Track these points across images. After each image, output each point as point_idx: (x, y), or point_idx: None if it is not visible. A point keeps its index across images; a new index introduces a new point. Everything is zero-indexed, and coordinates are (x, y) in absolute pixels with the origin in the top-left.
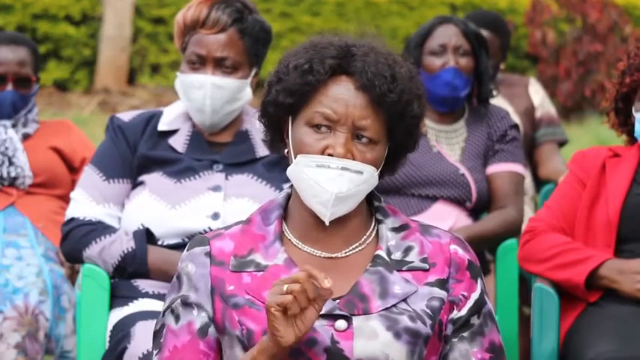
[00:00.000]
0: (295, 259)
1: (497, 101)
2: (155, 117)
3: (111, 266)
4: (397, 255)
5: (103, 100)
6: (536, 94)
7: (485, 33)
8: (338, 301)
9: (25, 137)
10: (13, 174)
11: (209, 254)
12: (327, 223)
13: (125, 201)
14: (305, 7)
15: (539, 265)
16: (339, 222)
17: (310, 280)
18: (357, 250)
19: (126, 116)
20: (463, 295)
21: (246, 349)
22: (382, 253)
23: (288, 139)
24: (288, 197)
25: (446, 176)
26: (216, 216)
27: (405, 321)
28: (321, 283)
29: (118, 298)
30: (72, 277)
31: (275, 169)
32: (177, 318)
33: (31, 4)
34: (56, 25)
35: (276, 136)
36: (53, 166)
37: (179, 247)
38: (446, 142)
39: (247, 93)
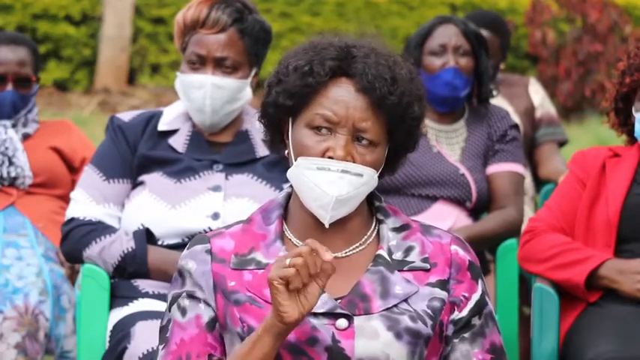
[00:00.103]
0: None
1: (497, 101)
2: (155, 117)
3: (111, 266)
4: (398, 255)
5: (103, 100)
6: (536, 94)
7: (485, 33)
8: (339, 300)
9: (25, 137)
10: (13, 174)
11: (210, 252)
12: (326, 226)
13: (125, 201)
14: (305, 7)
15: (539, 265)
16: (340, 222)
17: (313, 254)
18: (357, 250)
19: (126, 116)
20: (464, 296)
21: None
22: (383, 252)
23: (288, 140)
24: (289, 197)
25: (446, 176)
26: (216, 216)
27: (405, 321)
28: (322, 256)
29: (118, 298)
30: (72, 277)
31: (275, 169)
32: (183, 312)
33: (31, 4)
34: (56, 25)
35: (277, 136)
36: (53, 166)
37: (179, 247)
38: (446, 142)
39: (247, 93)
